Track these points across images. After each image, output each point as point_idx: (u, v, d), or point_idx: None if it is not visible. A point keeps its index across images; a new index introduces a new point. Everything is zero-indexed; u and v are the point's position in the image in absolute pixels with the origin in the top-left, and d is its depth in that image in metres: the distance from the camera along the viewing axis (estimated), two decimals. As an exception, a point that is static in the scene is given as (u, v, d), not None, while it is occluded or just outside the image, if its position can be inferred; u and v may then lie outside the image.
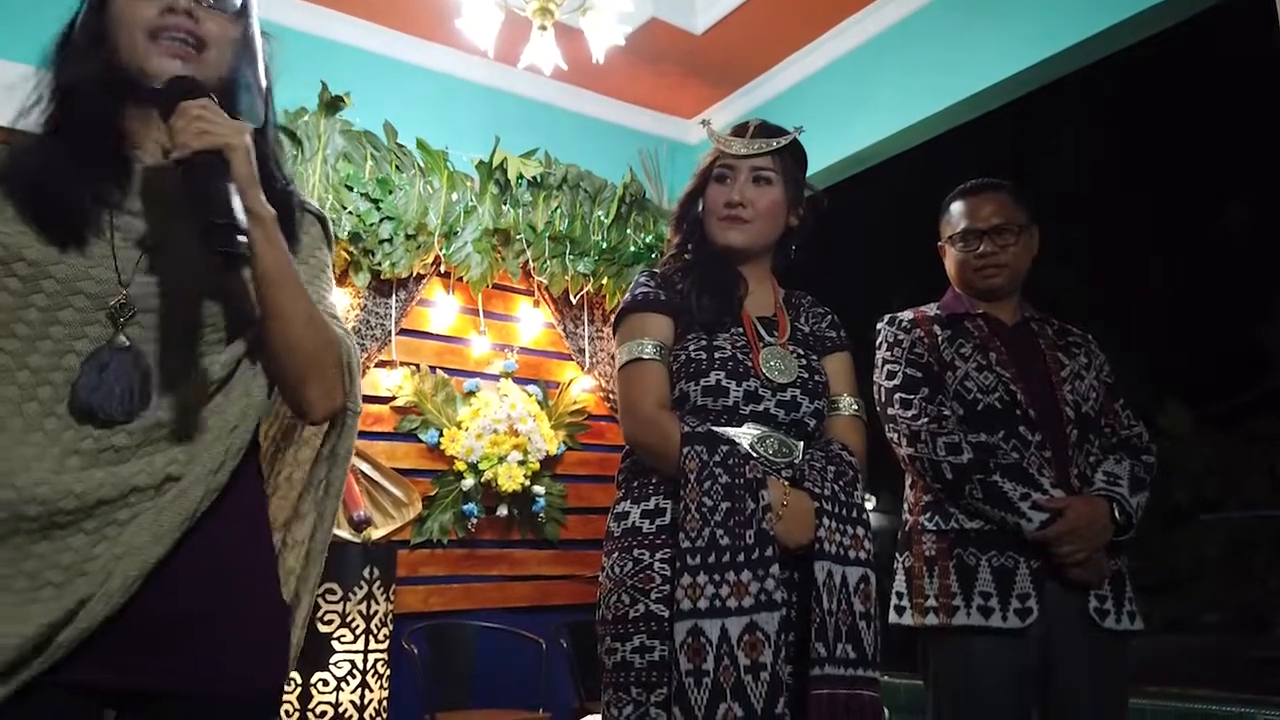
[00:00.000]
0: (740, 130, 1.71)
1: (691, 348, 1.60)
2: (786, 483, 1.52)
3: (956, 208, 2.04)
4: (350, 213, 3.48)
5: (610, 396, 4.18)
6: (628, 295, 1.69)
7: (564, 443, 4.04)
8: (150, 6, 1.08)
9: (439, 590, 3.73)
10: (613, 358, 4.18)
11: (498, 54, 3.57)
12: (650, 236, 4.24)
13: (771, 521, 1.44)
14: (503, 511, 3.86)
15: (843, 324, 1.80)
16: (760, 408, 1.57)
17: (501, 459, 3.77)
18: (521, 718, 3.33)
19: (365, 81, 3.65)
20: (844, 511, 1.52)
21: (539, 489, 3.92)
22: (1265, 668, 8.69)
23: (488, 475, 3.76)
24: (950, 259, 2.05)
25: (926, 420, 1.87)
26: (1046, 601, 1.76)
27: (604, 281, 4.12)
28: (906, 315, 2.04)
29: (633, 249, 4.19)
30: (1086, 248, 11.96)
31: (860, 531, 1.52)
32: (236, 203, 1.00)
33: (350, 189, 3.50)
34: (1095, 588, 1.79)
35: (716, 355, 1.58)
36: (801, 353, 1.66)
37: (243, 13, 1.14)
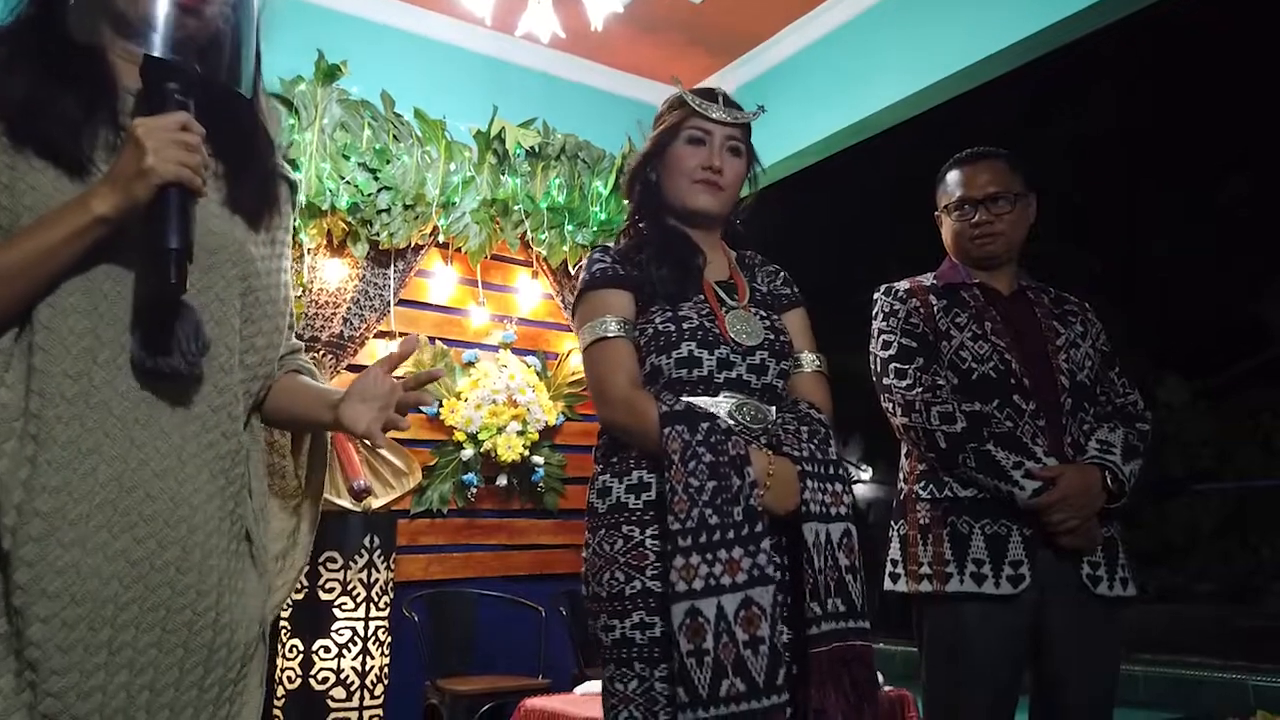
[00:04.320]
0: (709, 95, 1.67)
1: (658, 320, 1.57)
2: (769, 451, 1.51)
3: (953, 177, 2.04)
4: (348, 182, 3.47)
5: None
6: (584, 274, 1.65)
7: (563, 413, 4.05)
8: None
9: (439, 558, 3.76)
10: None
11: (496, 22, 3.54)
12: (649, 207, 4.23)
13: (759, 496, 1.44)
14: (502, 481, 3.89)
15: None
16: (733, 374, 1.55)
17: (501, 429, 3.79)
18: (521, 684, 3.37)
19: (362, 50, 3.62)
20: (822, 470, 1.51)
21: (538, 459, 3.94)
22: (1257, 637, 8.78)
23: (487, 445, 3.78)
24: (947, 228, 2.05)
25: (921, 390, 1.88)
26: (1039, 568, 1.77)
27: (602, 252, 4.12)
28: (902, 285, 2.04)
29: (631, 219, 4.18)
30: (1087, 217, 11.92)
31: (839, 487, 1.52)
32: (185, 230, 0.97)
33: (347, 159, 3.49)
34: (1088, 555, 1.81)
35: (684, 326, 1.55)
36: (764, 314, 1.64)
37: None
